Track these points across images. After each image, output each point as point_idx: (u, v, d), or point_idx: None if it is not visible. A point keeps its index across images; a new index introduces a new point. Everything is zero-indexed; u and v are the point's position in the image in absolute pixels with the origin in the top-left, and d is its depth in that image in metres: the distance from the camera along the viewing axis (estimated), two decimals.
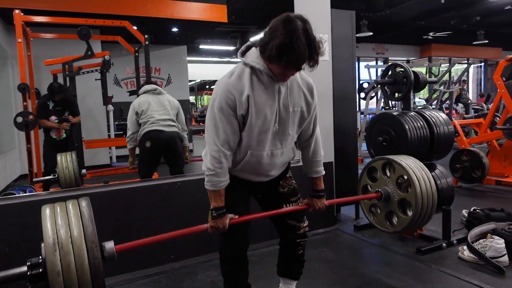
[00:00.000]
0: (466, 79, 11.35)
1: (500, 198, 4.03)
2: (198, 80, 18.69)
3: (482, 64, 16.65)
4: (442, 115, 2.96)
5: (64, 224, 1.31)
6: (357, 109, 8.42)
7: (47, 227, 1.30)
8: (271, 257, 2.45)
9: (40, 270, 1.31)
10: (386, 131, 2.86)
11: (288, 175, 1.80)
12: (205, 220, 2.72)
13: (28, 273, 1.31)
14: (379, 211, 2.24)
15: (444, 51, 14.79)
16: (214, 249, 2.70)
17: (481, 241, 2.53)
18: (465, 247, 2.57)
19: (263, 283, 2.17)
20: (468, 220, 2.99)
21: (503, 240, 2.43)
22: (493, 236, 2.50)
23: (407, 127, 2.73)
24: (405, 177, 2.10)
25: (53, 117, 4.39)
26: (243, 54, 1.55)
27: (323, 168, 1.78)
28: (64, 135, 4.47)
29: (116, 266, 2.44)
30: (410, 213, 2.06)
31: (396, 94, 3.03)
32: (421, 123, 2.82)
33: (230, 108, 1.47)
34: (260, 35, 1.49)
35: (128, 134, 3.46)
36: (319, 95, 3.39)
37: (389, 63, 3.08)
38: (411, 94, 2.95)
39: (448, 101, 8.24)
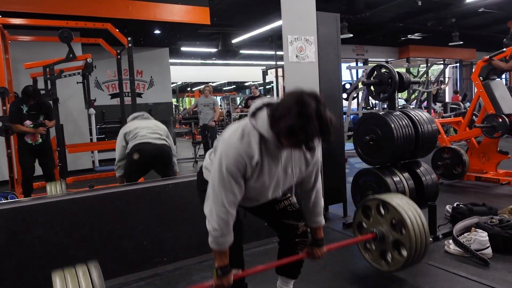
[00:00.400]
0: (443, 79, 11.67)
1: (480, 193, 4.18)
2: (180, 82, 18.60)
3: (458, 64, 17.16)
4: (426, 114, 3.06)
5: None
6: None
7: None
8: (264, 256, 2.48)
9: None
10: (373, 130, 2.94)
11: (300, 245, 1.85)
12: (196, 222, 2.74)
13: None
14: (373, 248, 2.27)
15: (421, 52, 15.20)
16: (206, 251, 2.72)
17: (465, 234, 2.63)
18: (450, 241, 2.66)
19: (257, 282, 2.19)
20: (452, 215, 3.10)
21: (486, 233, 2.53)
22: (476, 229, 2.60)
23: (393, 126, 2.81)
24: (399, 218, 2.12)
25: (27, 122, 4.24)
26: (254, 115, 1.53)
27: (323, 218, 1.83)
28: (40, 140, 4.33)
29: (107, 270, 2.42)
30: (405, 254, 2.10)
31: (381, 95, 3.11)
32: (406, 122, 2.91)
33: (240, 171, 1.50)
34: (269, 103, 1.50)
35: (116, 162, 3.26)
36: None
37: (375, 64, 3.15)
38: (396, 94, 3.04)
39: (426, 101, 8.48)
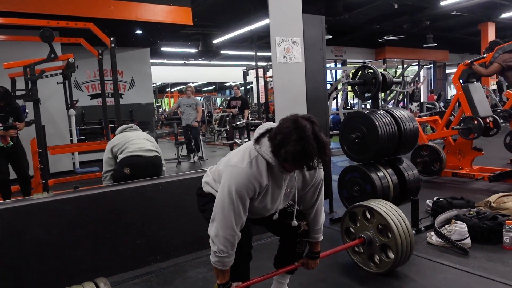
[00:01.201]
0: (418, 79, 12.06)
1: (457, 188, 4.38)
2: (159, 83, 18.42)
3: (431, 65, 17.73)
4: (407, 113, 3.20)
5: None
6: None
7: None
8: (257, 252, 2.54)
9: None
10: (358, 128, 3.05)
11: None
12: (188, 220, 2.79)
13: None
14: (362, 251, 2.39)
15: (397, 53, 15.64)
16: (200, 247, 2.79)
17: (446, 226, 2.78)
18: (432, 233, 2.81)
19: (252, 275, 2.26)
20: (433, 209, 3.26)
21: (465, 225, 2.69)
22: (456, 221, 2.75)
23: (377, 123, 2.93)
24: (385, 223, 2.24)
25: None
26: (258, 141, 1.63)
27: (322, 235, 1.94)
28: (11, 143, 4.22)
29: (102, 269, 2.44)
30: (392, 256, 2.22)
31: (365, 94, 3.24)
32: (390, 120, 3.04)
33: (249, 196, 1.59)
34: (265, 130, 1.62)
35: (103, 173, 3.20)
36: (295, 97, 3.53)
37: (359, 65, 3.27)
38: (379, 94, 3.17)
39: (403, 101, 8.77)
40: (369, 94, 3.19)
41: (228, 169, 1.62)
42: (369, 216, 2.32)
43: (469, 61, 4.63)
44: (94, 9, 6.05)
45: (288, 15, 3.26)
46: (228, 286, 1.67)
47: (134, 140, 3.22)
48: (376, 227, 2.25)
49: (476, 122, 4.36)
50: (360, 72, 3.21)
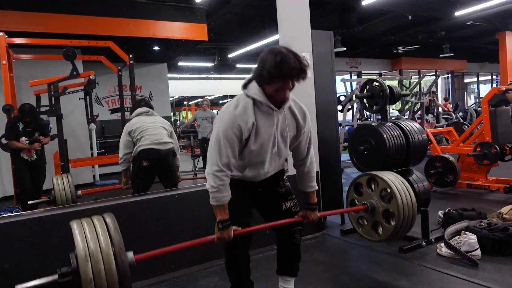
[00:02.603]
0: (435, 90, 11.95)
1: (471, 199, 4.35)
2: (176, 97, 18.79)
3: (449, 75, 17.51)
4: (416, 125, 3.24)
5: (93, 236, 1.46)
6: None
7: (77, 240, 1.43)
8: (266, 261, 2.62)
9: (70, 278, 1.44)
10: (366, 140, 3.11)
11: (284, 177, 2.03)
12: (201, 230, 2.88)
13: (59, 281, 1.44)
14: (365, 223, 2.45)
15: (413, 63, 15.54)
16: (211, 258, 2.87)
17: (456, 237, 2.78)
18: (442, 244, 2.82)
19: (262, 284, 2.33)
20: (444, 220, 3.26)
21: (475, 236, 2.69)
22: (466, 232, 2.75)
23: (385, 136, 2.98)
24: (388, 190, 2.30)
25: (23, 138, 4.40)
26: (245, 86, 1.79)
27: (316, 184, 2.01)
28: (35, 156, 4.49)
29: None
30: (393, 223, 2.27)
31: (374, 107, 3.29)
32: (398, 132, 3.08)
33: (235, 136, 1.71)
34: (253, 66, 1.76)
35: (121, 155, 3.43)
36: None
37: (367, 78, 3.34)
38: (387, 106, 3.22)
39: (419, 112, 8.71)
40: (377, 107, 3.24)
41: (218, 117, 1.81)
42: (373, 186, 2.34)
43: (504, 88, 4.55)
44: (113, 27, 6.32)
45: (297, 31, 3.37)
46: (227, 224, 1.75)
47: (151, 130, 3.39)
48: (379, 194, 2.27)
49: (493, 150, 4.32)
50: (368, 86, 3.27)
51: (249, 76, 1.82)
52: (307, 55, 3.40)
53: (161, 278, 2.66)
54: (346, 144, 6.55)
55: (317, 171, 3.44)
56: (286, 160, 2.04)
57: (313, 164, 1.99)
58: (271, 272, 2.25)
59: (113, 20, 6.38)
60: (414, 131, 3.15)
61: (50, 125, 5.69)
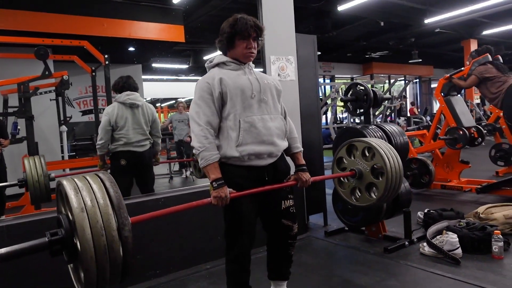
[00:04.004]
0: (405, 94, 12.36)
1: (446, 200, 4.51)
2: (149, 98, 18.46)
3: (417, 80, 18.17)
4: (397, 127, 3.32)
5: (89, 193, 1.25)
6: None
7: (70, 195, 1.22)
8: (256, 265, 2.60)
9: (62, 235, 1.25)
10: None
11: (289, 176, 1.98)
12: (188, 235, 2.84)
13: (49, 239, 1.25)
14: (360, 192, 2.29)
15: (383, 69, 16.02)
16: (199, 261, 2.82)
17: (438, 237, 2.87)
18: (425, 244, 2.90)
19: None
20: (425, 220, 3.35)
21: (456, 235, 2.78)
22: (447, 232, 2.85)
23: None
24: (369, 149, 2.24)
25: None
26: (209, 63, 1.93)
27: (300, 145, 2.05)
28: None
29: None
30: (374, 196, 2.21)
31: (358, 110, 3.35)
32: (381, 134, 3.15)
33: (207, 93, 1.79)
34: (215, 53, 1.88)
35: (98, 142, 3.36)
36: (289, 113, 3.64)
37: (352, 82, 3.39)
38: (371, 109, 3.29)
39: (390, 115, 8.98)
40: (361, 110, 3.30)
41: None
42: (367, 154, 2.27)
43: (449, 75, 4.84)
44: (88, 27, 6.12)
45: (282, 35, 3.38)
46: (221, 183, 1.71)
47: (133, 130, 3.36)
48: (371, 167, 2.20)
49: (461, 132, 4.52)
50: (351, 89, 3.33)
51: (210, 57, 1.98)
52: (291, 58, 3.43)
53: (147, 284, 2.59)
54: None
55: None
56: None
57: (293, 126, 2.06)
58: (261, 275, 2.23)
59: (87, 19, 6.18)
60: (396, 133, 3.23)
61: (19, 127, 5.44)
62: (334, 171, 2.41)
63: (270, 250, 2.03)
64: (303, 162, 2.02)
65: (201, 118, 1.75)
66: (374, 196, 2.22)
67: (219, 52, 1.95)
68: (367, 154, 2.29)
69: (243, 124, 1.77)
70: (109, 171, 3.42)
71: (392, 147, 2.29)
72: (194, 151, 1.78)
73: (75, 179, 1.31)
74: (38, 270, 2.28)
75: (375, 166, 2.20)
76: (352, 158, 2.33)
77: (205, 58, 12.08)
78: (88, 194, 1.26)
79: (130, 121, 3.36)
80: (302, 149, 2.04)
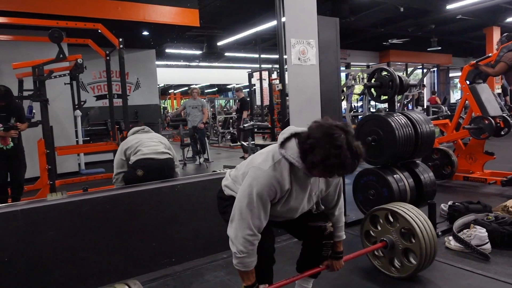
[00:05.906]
0: (424, 83, 12.06)
1: (469, 192, 4.34)
2: (162, 85, 18.42)
3: (435, 69, 17.71)
4: (423, 115, 3.17)
5: None
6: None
7: None
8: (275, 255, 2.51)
9: None
10: (374, 131, 3.02)
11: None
12: (203, 223, 2.76)
13: None
14: (382, 255, 2.32)
15: (401, 56, 15.63)
16: (215, 250, 2.75)
17: (465, 231, 2.74)
18: (451, 238, 2.77)
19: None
20: (449, 213, 3.21)
21: (485, 229, 2.65)
22: (475, 226, 2.71)
23: (394, 126, 2.90)
24: (409, 227, 2.19)
25: None
26: (283, 145, 1.59)
27: (344, 233, 1.91)
28: (11, 144, 4.03)
29: (116, 272, 2.40)
30: (414, 262, 2.17)
31: (382, 97, 3.20)
32: (406, 122, 3.00)
33: (270, 198, 1.57)
34: (298, 132, 1.56)
35: (114, 174, 3.20)
36: (309, 98, 3.50)
37: (376, 68, 3.24)
38: (396, 96, 3.14)
39: (409, 105, 8.75)
40: (385, 97, 3.15)
41: (251, 170, 1.60)
42: (391, 220, 2.27)
43: (475, 61, 4.60)
44: (102, 10, 6.03)
45: (303, 17, 3.22)
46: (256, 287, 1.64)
47: (147, 142, 3.21)
48: (399, 231, 2.21)
49: (487, 122, 4.31)
50: (376, 75, 3.18)
51: (286, 132, 1.60)
52: (312, 42, 3.28)
53: (162, 272, 2.53)
54: None
55: None
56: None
57: (342, 214, 1.89)
58: (281, 266, 2.13)
59: (102, 1, 6.10)
60: (421, 121, 3.08)
61: (34, 111, 5.42)
62: (364, 246, 2.40)
63: (304, 250, 1.94)
64: (341, 249, 1.92)
65: (255, 221, 1.56)
66: (414, 262, 2.19)
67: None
68: (391, 220, 2.26)
69: (271, 218, 1.68)
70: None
71: (413, 206, 2.30)
72: (234, 252, 1.59)
73: None
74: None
75: (402, 230, 2.17)
76: (379, 228, 2.31)
77: (219, 44, 11.92)
78: None
79: (143, 138, 3.28)
80: (344, 237, 1.91)
